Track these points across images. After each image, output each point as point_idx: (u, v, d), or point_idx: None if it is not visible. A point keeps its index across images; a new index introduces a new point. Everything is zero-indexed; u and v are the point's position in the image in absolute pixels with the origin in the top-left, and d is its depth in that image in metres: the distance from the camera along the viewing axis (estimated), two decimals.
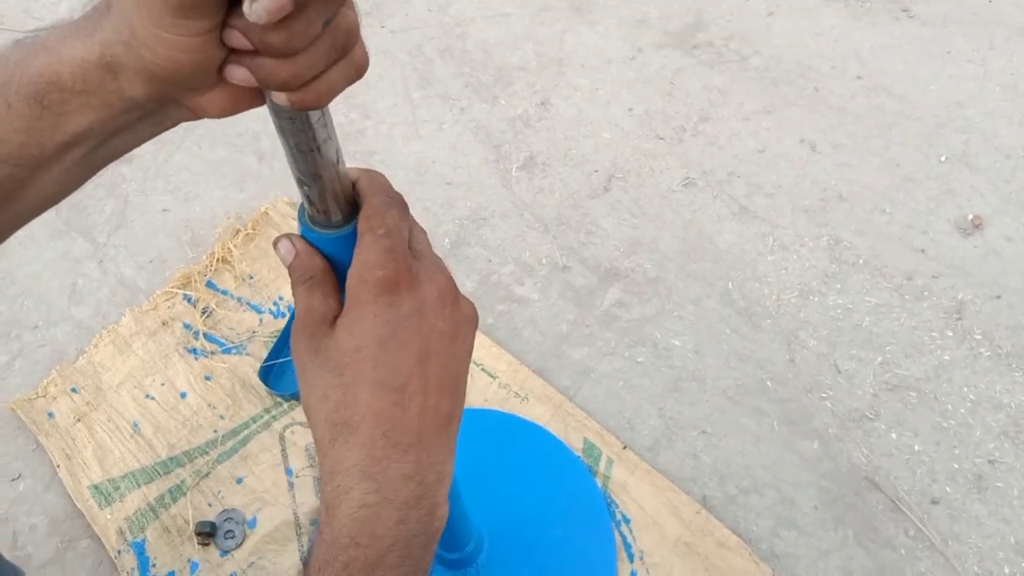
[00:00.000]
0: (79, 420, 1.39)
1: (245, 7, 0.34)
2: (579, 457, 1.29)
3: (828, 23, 1.90)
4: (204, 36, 0.37)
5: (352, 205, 0.50)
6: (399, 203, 0.50)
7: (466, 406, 1.35)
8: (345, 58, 0.40)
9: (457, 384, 0.52)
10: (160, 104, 0.43)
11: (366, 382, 0.46)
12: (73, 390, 1.43)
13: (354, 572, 0.44)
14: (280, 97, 0.39)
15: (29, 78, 0.41)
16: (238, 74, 0.39)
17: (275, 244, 0.50)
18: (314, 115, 0.43)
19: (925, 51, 1.81)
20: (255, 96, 0.43)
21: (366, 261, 0.46)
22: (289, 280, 0.53)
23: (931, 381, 1.34)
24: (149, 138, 0.48)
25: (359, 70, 0.41)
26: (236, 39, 0.37)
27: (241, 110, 0.44)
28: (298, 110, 0.41)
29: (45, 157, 0.44)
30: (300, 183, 0.47)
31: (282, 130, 0.43)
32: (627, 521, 1.23)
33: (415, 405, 0.47)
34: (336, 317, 0.48)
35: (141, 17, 0.36)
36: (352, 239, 0.49)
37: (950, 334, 1.39)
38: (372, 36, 1.98)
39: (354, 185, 0.50)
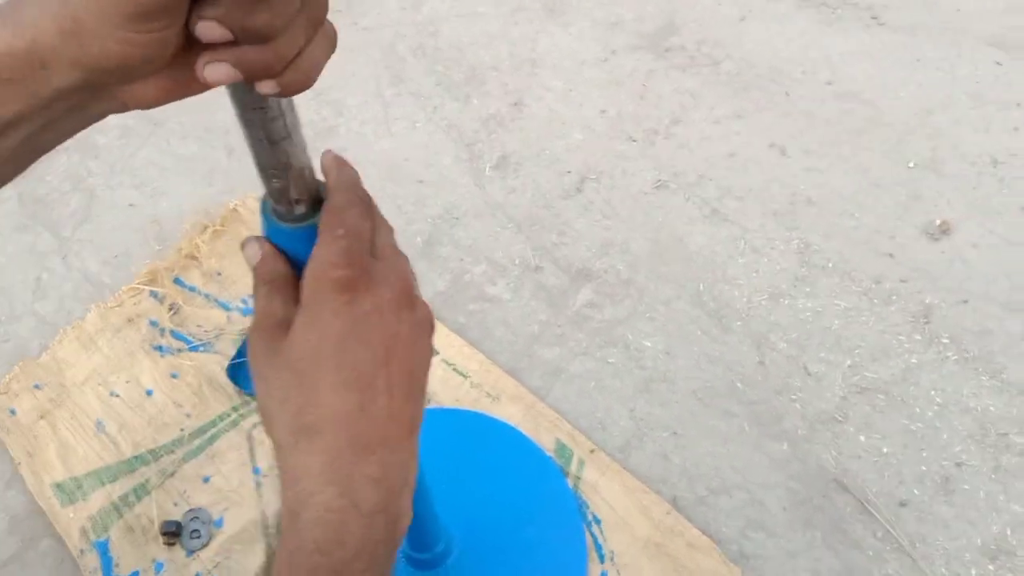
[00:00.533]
0: (42, 417, 1.37)
1: None
2: (550, 457, 1.29)
3: (799, 29, 1.92)
4: (159, 34, 0.35)
5: (318, 197, 0.49)
6: (363, 201, 0.49)
7: (437, 405, 1.35)
8: (319, 32, 0.39)
9: (419, 387, 0.50)
10: (90, 94, 0.41)
11: (328, 383, 0.45)
12: (36, 387, 1.40)
13: (323, 572, 0.43)
14: (267, 86, 0.38)
15: None
16: (219, 72, 0.37)
17: (242, 245, 0.49)
18: (284, 101, 0.42)
19: (895, 58, 1.84)
20: (188, 85, 0.41)
21: (323, 260, 0.46)
22: None
23: (899, 384, 1.36)
24: (75, 132, 0.45)
25: (333, 42, 0.40)
26: (213, 31, 0.35)
27: (175, 99, 0.42)
28: (286, 96, 0.40)
29: None
30: (268, 176, 0.46)
31: (249, 122, 0.42)
32: (598, 522, 1.23)
33: (379, 407, 0.46)
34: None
35: (91, 11, 0.35)
36: (315, 233, 0.48)
37: (918, 338, 1.40)
38: (344, 34, 1.96)
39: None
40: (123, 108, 0.43)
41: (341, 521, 0.43)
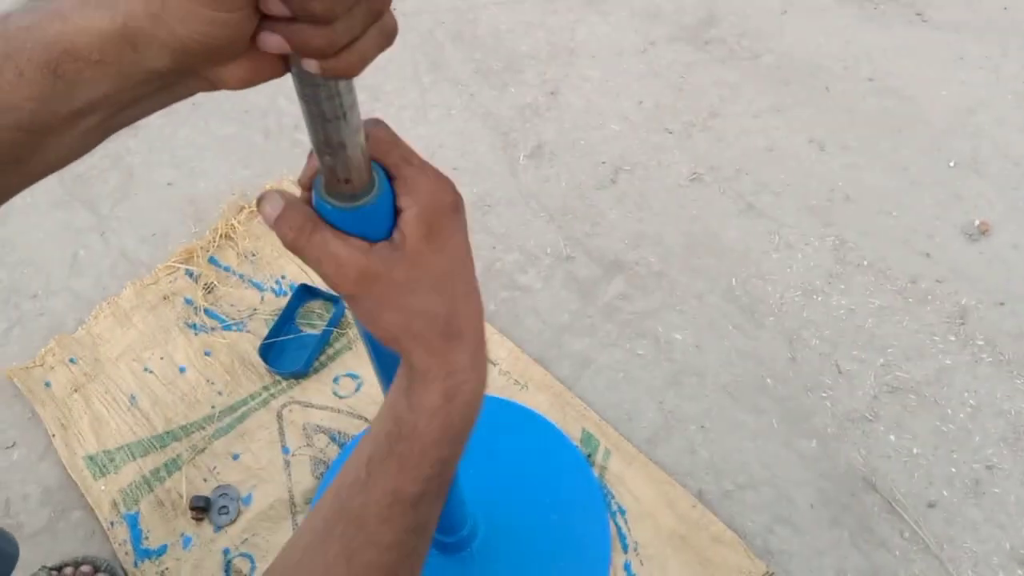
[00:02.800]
0: (76, 391, 1.39)
1: None
2: (577, 447, 1.29)
3: (841, 24, 1.90)
4: (242, 10, 0.37)
5: (370, 180, 0.49)
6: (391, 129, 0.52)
7: None
8: (376, 24, 0.39)
9: None
10: (179, 75, 0.42)
11: (462, 293, 0.51)
12: (71, 361, 1.42)
13: (460, 439, 0.53)
14: (312, 65, 0.39)
15: (43, 46, 0.39)
16: (272, 41, 0.38)
17: (258, 202, 0.50)
18: (342, 82, 0.42)
19: (937, 56, 1.81)
20: (276, 66, 0.42)
21: (432, 189, 0.49)
22: (293, 257, 0.53)
23: (932, 385, 1.34)
24: (162, 108, 0.47)
25: (389, 37, 0.41)
26: (275, 5, 0.36)
27: (260, 81, 0.43)
28: (327, 79, 0.40)
29: (57, 124, 0.43)
30: (320, 152, 0.46)
31: (307, 98, 0.43)
32: (622, 512, 1.23)
33: (480, 301, 0.54)
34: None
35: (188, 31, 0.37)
36: (373, 213, 0.48)
37: (952, 339, 1.39)
38: None
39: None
40: (211, 87, 0.44)
41: (479, 395, 0.53)
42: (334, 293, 1.12)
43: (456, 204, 0.50)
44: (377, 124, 0.50)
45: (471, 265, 0.52)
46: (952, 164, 1.61)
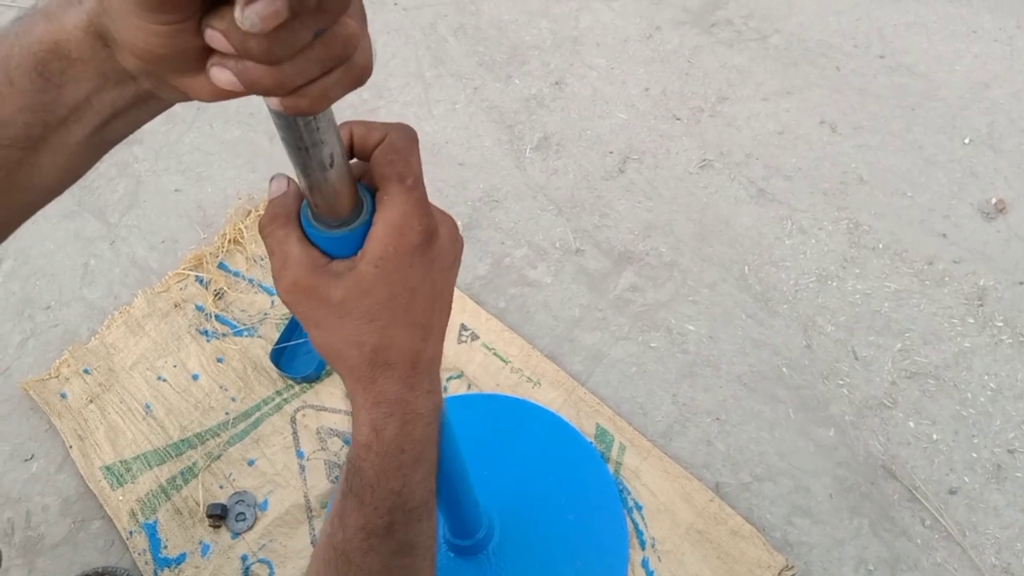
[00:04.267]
0: (91, 401, 1.39)
1: (237, 13, 0.32)
2: (591, 443, 1.28)
3: (851, 1, 1.86)
4: (174, 26, 0.36)
5: (354, 204, 0.48)
6: (414, 139, 0.50)
7: (478, 391, 1.34)
8: (342, 66, 0.38)
9: (450, 303, 0.57)
10: (154, 81, 0.42)
11: (400, 326, 0.50)
12: (85, 371, 1.43)
13: (407, 469, 0.53)
14: (272, 102, 0.38)
15: (29, 47, 0.41)
16: (222, 77, 0.37)
17: (272, 179, 0.51)
18: (300, 118, 0.41)
19: (950, 30, 1.77)
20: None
21: (403, 214, 0.47)
22: None
23: (951, 369, 1.32)
24: (148, 119, 0.47)
25: (358, 78, 0.39)
26: (217, 40, 0.35)
27: (231, 97, 0.42)
28: (290, 115, 0.39)
29: (48, 135, 0.44)
30: (299, 178, 0.46)
31: (279, 126, 0.42)
32: (639, 508, 1.22)
33: (435, 335, 0.53)
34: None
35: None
36: (351, 240, 0.48)
37: (971, 321, 1.36)
38: (385, 14, 1.96)
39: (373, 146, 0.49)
40: (184, 98, 0.43)
41: (414, 427, 0.53)
42: None
43: (425, 242, 0.48)
44: (402, 130, 0.49)
45: (424, 302, 0.51)
46: (967, 141, 1.58)
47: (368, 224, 0.48)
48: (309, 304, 0.49)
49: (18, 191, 0.46)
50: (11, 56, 0.41)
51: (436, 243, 0.49)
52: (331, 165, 0.44)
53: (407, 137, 0.48)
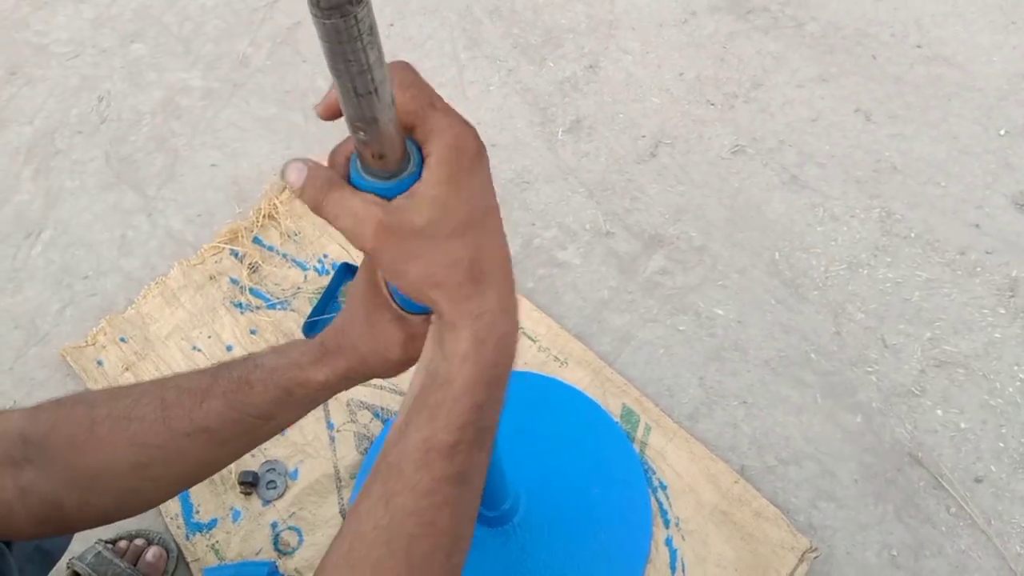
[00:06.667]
0: (127, 369, 1.42)
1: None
2: (617, 423, 1.29)
3: None
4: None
5: (404, 156, 0.50)
6: (414, 68, 0.52)
7: None
8: None
9: None
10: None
11: (486, 234, 0.52)
12: (122, 340, 1.46)
13: (494, 384, 0.54)
14: None
15: (272, 373, 0.65)
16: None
17: (282, 173, 0.52)
18: (372, 55, 0.42)
19: (988, 20, 1.76)
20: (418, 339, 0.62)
21: (453, 132, 0.49)
22: (335, 237, 0.55)
23: (980, 358, 1.32)
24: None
25: None
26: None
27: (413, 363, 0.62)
28: (356, 51, 0.41)
29: (278, 413, 0.67)
30: (354, 128, 0.47)
31: (338, 73, 0.43)
32: (663, 487, 1.23)
33: (505, 240, 0.55)
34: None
35: (372, 363, 0.64)
36: (407, 187, 0.49)
37: (1002, 311, 1.36)
38: None
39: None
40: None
41: (512, 336, 0.55)
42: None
43: (479, 149, 0.50)
44: (403, 68, 0.50)
45: (494, 208, 0.53)
46: (1003, 132, 1.57)
47: (421, 164, 0.49)
48: (398, 241, 0.50)
49: (255, 443, 0.69)
50: (268, 381, 0.65)
51: (485, 149, 0.51)
52: (392, 103, 0.46)
53: (408, 70, 0.50)
